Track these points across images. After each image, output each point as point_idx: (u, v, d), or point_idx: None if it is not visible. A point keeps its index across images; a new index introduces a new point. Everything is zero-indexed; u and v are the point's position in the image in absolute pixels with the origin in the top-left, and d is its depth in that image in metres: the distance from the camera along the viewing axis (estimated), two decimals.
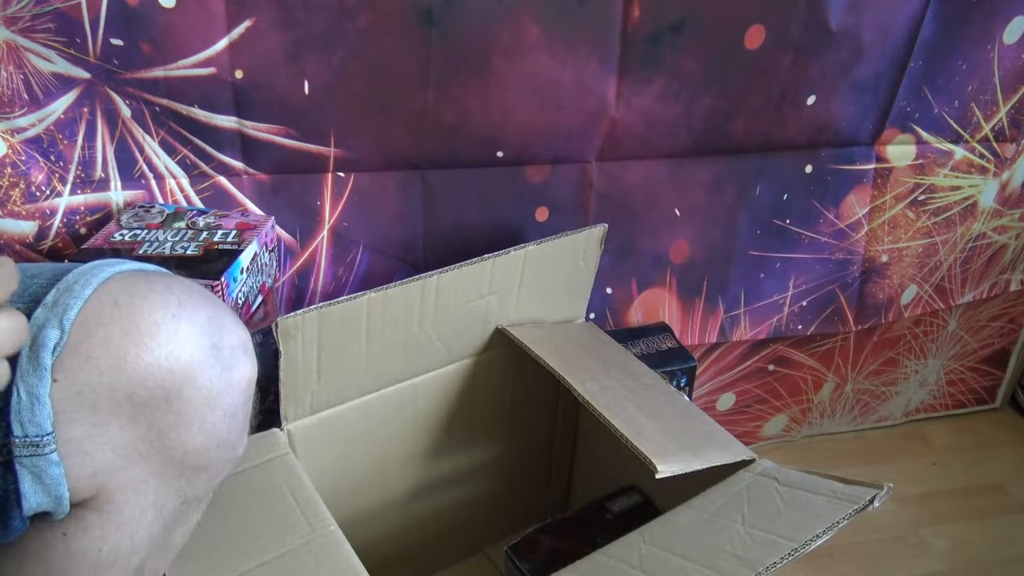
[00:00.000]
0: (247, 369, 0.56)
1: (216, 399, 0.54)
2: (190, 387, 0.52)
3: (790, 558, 0.59)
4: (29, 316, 0.49)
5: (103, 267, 0.53)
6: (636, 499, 0.89)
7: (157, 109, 0.83)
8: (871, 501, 0.62)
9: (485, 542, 1.07)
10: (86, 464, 0.50)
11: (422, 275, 0.80)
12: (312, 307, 0.72)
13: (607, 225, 0.91)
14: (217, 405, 0.54)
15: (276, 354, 0.74)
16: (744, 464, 0.74)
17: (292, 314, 0.72)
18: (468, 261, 0.83)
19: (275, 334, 0.72)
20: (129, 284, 0.52)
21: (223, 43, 0.80)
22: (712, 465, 0.72)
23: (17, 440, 0.48)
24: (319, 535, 0.66)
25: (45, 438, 0.48)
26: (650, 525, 0.67)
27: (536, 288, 0.90)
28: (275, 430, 0.78)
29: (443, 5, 0.82)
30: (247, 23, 0.80)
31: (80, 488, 0.50)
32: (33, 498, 0.49)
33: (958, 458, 1.32)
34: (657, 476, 0.67)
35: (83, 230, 0.87)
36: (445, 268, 0.81)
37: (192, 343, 0.52)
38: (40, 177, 0.83)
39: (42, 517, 0.51)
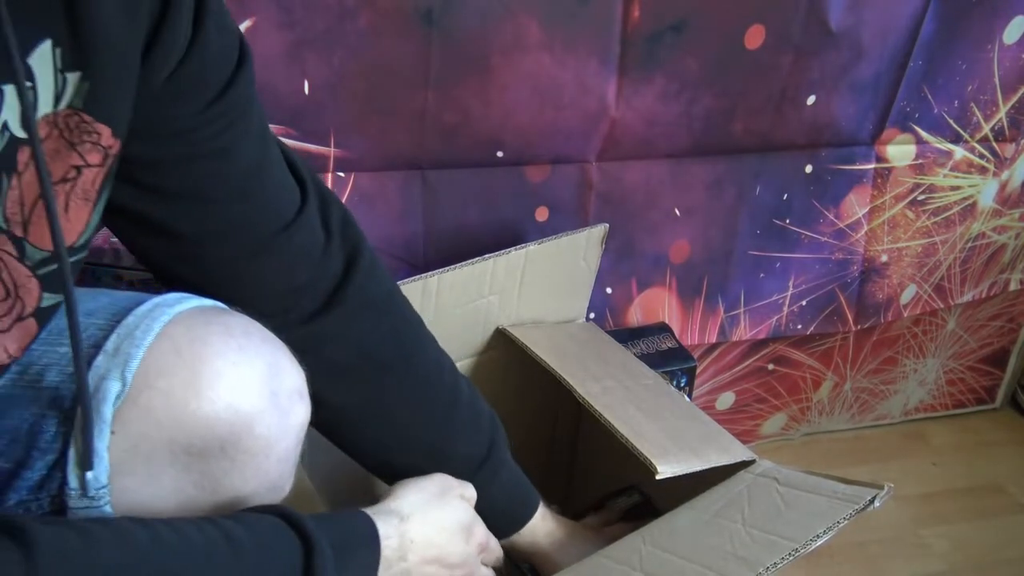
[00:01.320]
0: (302, 414, 0.56)
1: (272, 447, 0.53)
2: (248, 437, 0.51)
3: (791, 558, 0.59)
4: (90, 363, 0.49)
5: (162, 308, 0.52)
6: (636, 499, 0.89)
7: None
8: (872, 501, 0.62)
9: None
10: (136, 512, 0.49)
11: (422, 275, 0.80)
12: None
13: (608, 225, 0.91)
14: (272, 453, 0.53)
15: None
16: (744, 465, 0.74)
17: None
18: (469, 261, 0.83)
19: None
20: (190, 327, 0.52)
21: None
22: (713, 466, 0.71)
23: (73, 493, 0.48)
24: None
25: (100, 491, 0.48)
26: (650, 526, 0.67)
27: (537, 288, 0.90)
28: None
29: (443, 5, 0.82)
30: (247, 23, 0.80)
31: None
32: None
33: (958, 458, 1.32)
34: (657, 477, 0.67)
35: None
36: (446, 268, 0.81)
37: (252, 392, 0.52)
38: None
39: None
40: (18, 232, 0.45)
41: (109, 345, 0.50)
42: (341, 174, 0.91)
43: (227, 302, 0.57)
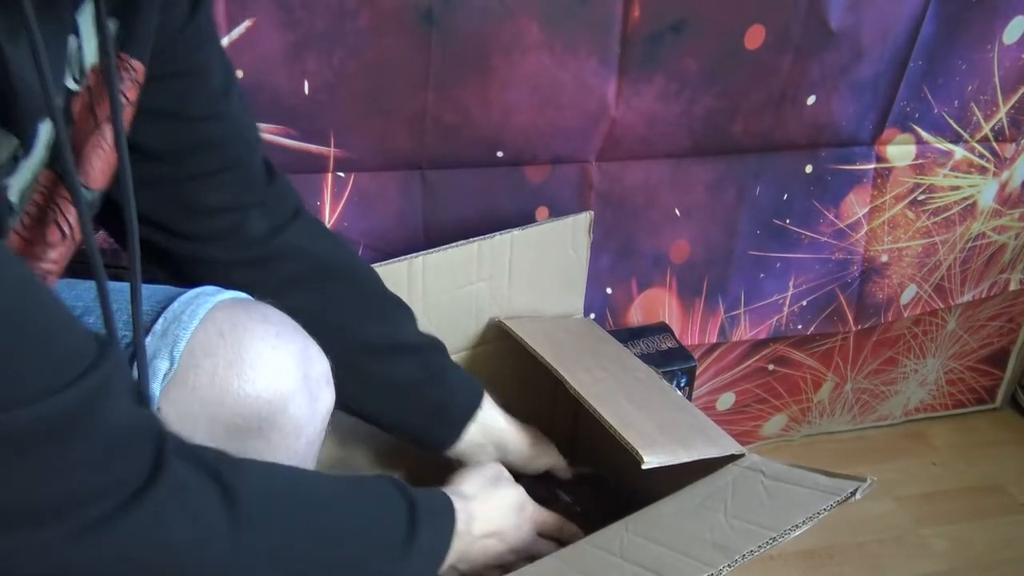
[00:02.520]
0: (329, 399, 0.60)
1: (303, 428, 0.57)
2: (282, 416, 0.55)
3: (767, 546, 0.60)
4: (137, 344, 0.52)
5: (204, 295, 0.56)
6: (587, 471, 0.91)
7: None
8: (853, 493, 0.63)
9: None
10: None
11: (407, 256, 0.82)
12: None
13: (592, 212, 0.91)
14: (303, 434, 0.57)
15: None
16: (733, 458, 0.74)
17: None
18: (453, 244, 0.84)
19: None
20: (231, 313, 0.55)
21: (223, 43, 0.80)
22: (700, 457, 0.72)
23: None
24: None
25: None
26: (635, 516, 0.68)
27: (527, 276, 0.90)
28: None
29: (443, 5, 0.82)
30: (247, 23, 0.80)
31: None
32: None
33: (958, 458, 1.32)
34: (643, 467, 0.68)
35: None
36: (430, 250, 0.82)
37: (288, 374, 0.55)
38: None
39: None
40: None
41: (157, 327, 0.54)
42: (341, 174, 0.91)
43: (187, 228, 0.61)
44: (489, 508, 0.68)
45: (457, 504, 0.65)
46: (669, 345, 1.03)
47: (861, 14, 0.94)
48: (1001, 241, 1.21)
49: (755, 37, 0.93)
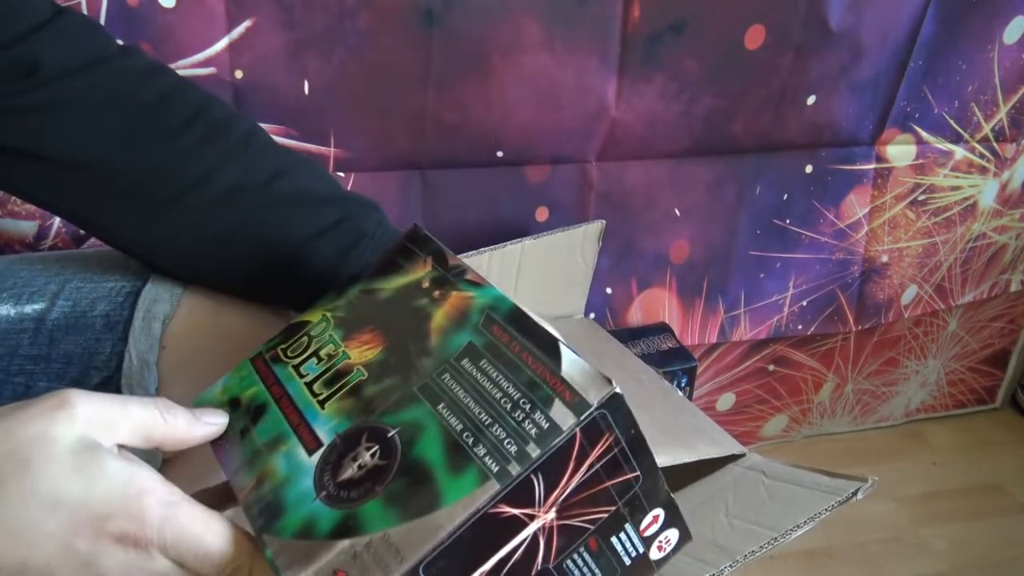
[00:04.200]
0: None
1: None
2: None
3: (769, 547, 0.60)
4: (141, 290, 0.55)
5: None
6: None
7: None
8: (854, 493, 0.63)
9: None
10: None
11: None
12: None
13: (604, 221, 0.91)
14: None
15: None
16: (734, 458, 0.74)
17: None
18: (464, 254, 0.83)
19: None
20: None
21: (223, 43, 0.80)
22: (701, 458, 0.72)
23: None
24: None
25: None
26: None
27: (533, 283, 0.90)
28: None
29: (443, 5, 0.82)
30: (247, 23, 0.80)
31: None
32: None
33: (958, 458, 1.32)
34: None
35: (83, 231, 0.87)
36: None
37: None
38: None
39: None
40: None
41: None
42: (341, 174, 0.91)
43: None
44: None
45: None
46: (669, 345, 1.03)
47: (861, 14, 0.94)
48: (1002, 241, 1.21)
49: (755, 37, 0.93)
